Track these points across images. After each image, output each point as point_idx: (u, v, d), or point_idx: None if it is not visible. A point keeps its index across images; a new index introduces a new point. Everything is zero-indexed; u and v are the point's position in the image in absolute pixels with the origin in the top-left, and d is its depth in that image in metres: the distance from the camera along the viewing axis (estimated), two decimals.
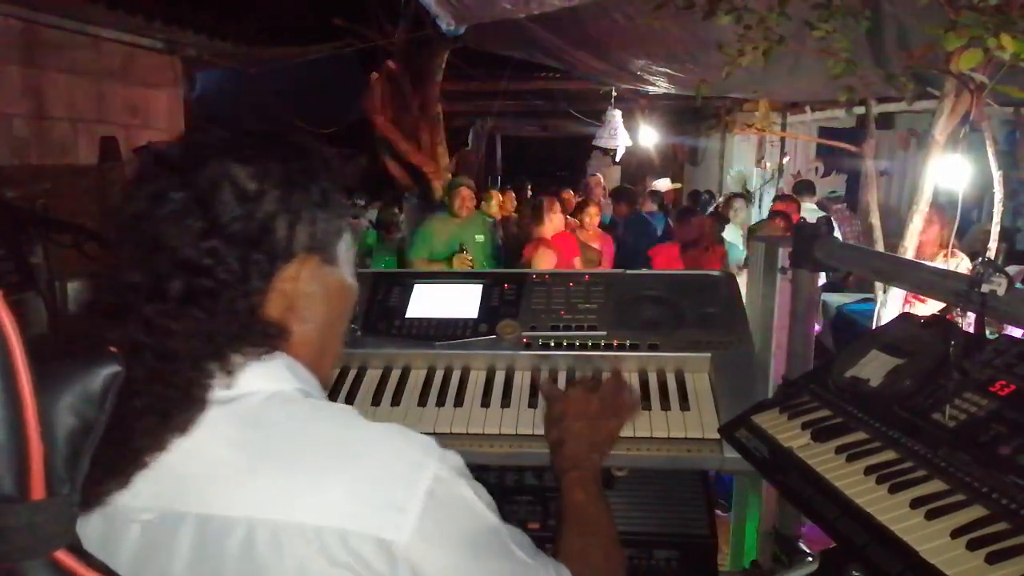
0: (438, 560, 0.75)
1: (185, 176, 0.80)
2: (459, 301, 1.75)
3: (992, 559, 0.83)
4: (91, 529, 0.73)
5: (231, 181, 0.80)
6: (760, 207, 9.38)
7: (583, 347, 1.64)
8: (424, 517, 0.74)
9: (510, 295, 1.75)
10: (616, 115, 9.41)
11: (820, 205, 7.77)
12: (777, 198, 7.14)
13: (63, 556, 0.57)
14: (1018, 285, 1.10)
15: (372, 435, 0.80)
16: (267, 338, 0.81)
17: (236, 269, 0.79)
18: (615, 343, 1.63)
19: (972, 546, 0.86)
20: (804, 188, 7.94)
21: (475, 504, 0.81)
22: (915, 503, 0.96)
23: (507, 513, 1.59)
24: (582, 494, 1.16)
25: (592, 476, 1.20)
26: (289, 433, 0.77)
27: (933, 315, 1.31)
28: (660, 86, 6.76)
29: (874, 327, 3.46)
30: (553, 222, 5.03)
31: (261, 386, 0.79)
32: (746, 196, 8.78)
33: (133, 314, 0.75)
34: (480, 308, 1.73)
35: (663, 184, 9.94)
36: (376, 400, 1.58)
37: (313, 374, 0.89)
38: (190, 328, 0.75)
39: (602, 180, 10.69)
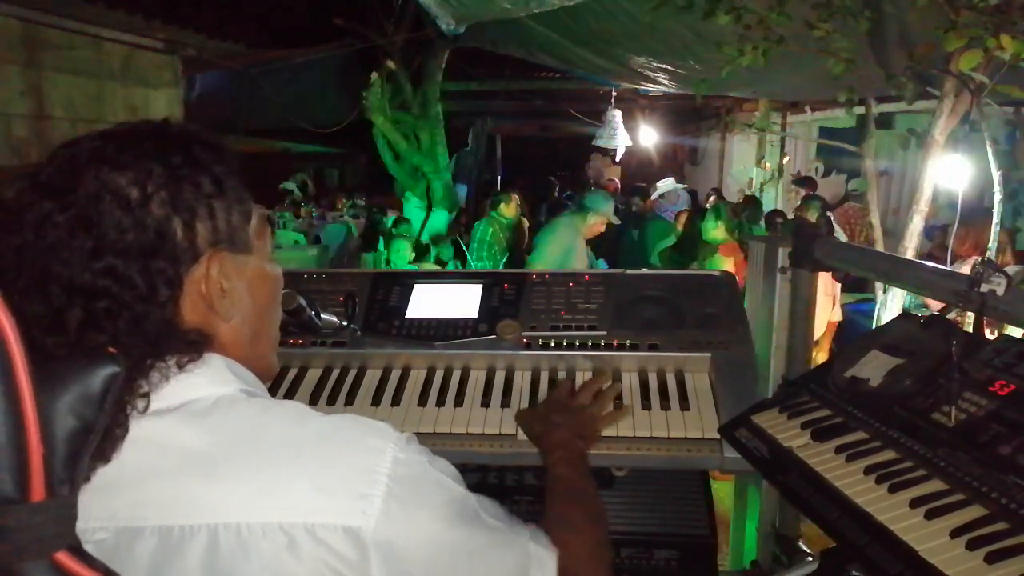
0: (409, 540, 0.75)
1: (63, 197, 0.75)
2: (459, 301, 1.75)
3: (991, 559, 0.83)
4: None
5: (111, 192, 0.75)
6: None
7: (583, 347, 1.64)
8: (389, 500, 0.74)
9: (510, 295, 1.75)
10: (616, 115, 9.41)
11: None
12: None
13: (63, 557, 0.57)
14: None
15: (327, 427, 0.79)
16: (190, 346, 0.78)
17: (138, 284, 0.75)
18: (615, 343, 1.63)
19: (971, 546, 0.86)
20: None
21: (439, 479, 0.81)
22: (915, 503, 0.96)
23: None
24: (566, 469, 1.18)
25: (578, 456, 1.23)
26: (243, 435, 0.76)
27: (933, 315, 1.31)
28: (661, 83, 6.75)
29: (874, 327, 3.46)
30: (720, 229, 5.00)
31: (204, 392, 0.78)
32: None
33: (36, 349, 0.72)
34: (480, 308, 1.73)
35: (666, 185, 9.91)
36: (376, 400, 1.58)
37: (251, 368, 0.87)
38: None
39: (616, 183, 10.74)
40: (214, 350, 0.82)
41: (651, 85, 7.04)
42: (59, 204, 0.75)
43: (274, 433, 0.77)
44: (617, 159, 10.57)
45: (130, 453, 0.72)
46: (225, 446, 0.75)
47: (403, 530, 0.75)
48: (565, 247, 4.93)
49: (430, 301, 1.76)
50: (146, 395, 0.74)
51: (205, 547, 0.71)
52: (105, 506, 0.72)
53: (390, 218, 8.17)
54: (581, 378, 1.61)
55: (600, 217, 5.01)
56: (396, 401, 1.57)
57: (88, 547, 0.70)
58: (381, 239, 7.52)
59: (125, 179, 0.76)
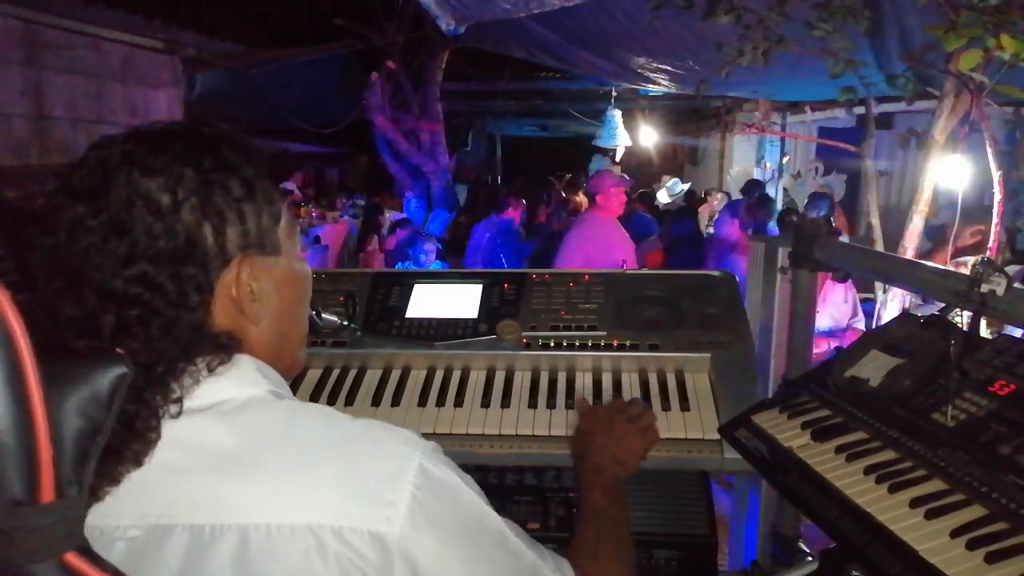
0: (431, 548, 0.75)
1: (95, 201, 0.75)
2: (459, 301, 1.75)
3: (991, 559, 0.84)
4: None
5: (143, 197, 0.75)
6: None
7: (583, 347, 1.64)
8: (414, 507, 0.74)
9: (510, 295, 1.75)
10: (616, 115, 9.41)
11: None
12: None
13: (73, 558, 0.57)
14: (1017, 285, 1.10)
15: (355, 431, 0.80)
16: (220, 349, 0.79)
17: (169, 290, 0.75)
18: (615, 343, 1.64)
19: (971, 545, 0.86)
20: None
21: (464, 492, 0.81)
22: (914, 503, 0.96)
23: (507, 513, 1.59)
24: (600, 496, 1.16)
25: (612, 482, 1.20)
26: (272, 436, 0.77)
27: (933, 315, 1.31)
28: (661, 84, 6.76)
29: (874, 327, 3.46)
30: None
31: (234, 393, 0.78)
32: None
33: (68, 350, 0.73)
34: (480, 308, 1.73)
35: (678, 187, 9.92)
36: (376, 400, 1.58)
37: (280, 365, 0.88)
38: None
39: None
40: (243, 350, 0.82)
41: (651, 85, 7.05)
42: (91, 208, 0.75)
43: (302, 435, 0.77)
44: (617, 159, 10.57)
45: (161, 452, 0.73)
46: (254, 447, 0.75)
47: (427, 539, 0.75)
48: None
49: (430, 301, 1.76)
50: (179, 400, 0.75)
51: (235, 546, 0.71)
52: (137, 504, 0.73)
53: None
54: (581, 379, 1.62)
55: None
56: (396, 401, 1.57)
57: (120, 544, 0.72)
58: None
59: (156, 184, 0.76)
